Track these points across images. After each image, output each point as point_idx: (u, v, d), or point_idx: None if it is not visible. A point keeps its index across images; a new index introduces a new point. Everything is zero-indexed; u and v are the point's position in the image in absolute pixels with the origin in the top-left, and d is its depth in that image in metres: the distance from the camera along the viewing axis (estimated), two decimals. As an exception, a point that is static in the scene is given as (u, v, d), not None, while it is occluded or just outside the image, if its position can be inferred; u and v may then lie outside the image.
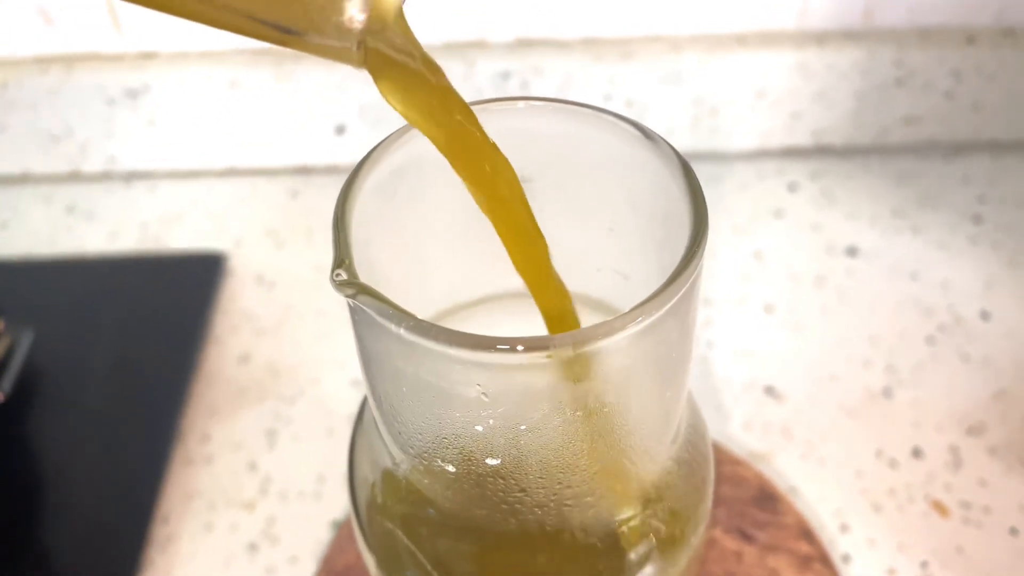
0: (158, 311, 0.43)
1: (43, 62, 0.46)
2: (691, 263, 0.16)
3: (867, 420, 0.38)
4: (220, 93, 0.46)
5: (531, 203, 0.18)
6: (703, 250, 0.16)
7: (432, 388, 0.16)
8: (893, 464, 0.36)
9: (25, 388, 0.39)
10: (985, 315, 0.41)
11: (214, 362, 0.41)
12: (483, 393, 0.16)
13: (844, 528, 0.34)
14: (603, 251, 0.20)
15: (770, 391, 0.39)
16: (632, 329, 0.16)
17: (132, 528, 0.35)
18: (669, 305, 0.16)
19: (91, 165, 0.49)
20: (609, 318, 0.15)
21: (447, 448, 0.18)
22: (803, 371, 0.39)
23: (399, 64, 0.16)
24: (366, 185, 0.18)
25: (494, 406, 0.16)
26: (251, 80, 0.46)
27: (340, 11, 0.15)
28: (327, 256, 0.49)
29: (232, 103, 0.47)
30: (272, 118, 0.47)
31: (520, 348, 0.15)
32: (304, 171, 0.49)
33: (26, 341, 0.40)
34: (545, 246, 0.19)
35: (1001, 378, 0.39)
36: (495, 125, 0.17)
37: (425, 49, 0.17)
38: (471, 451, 0.17)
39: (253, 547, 0.34)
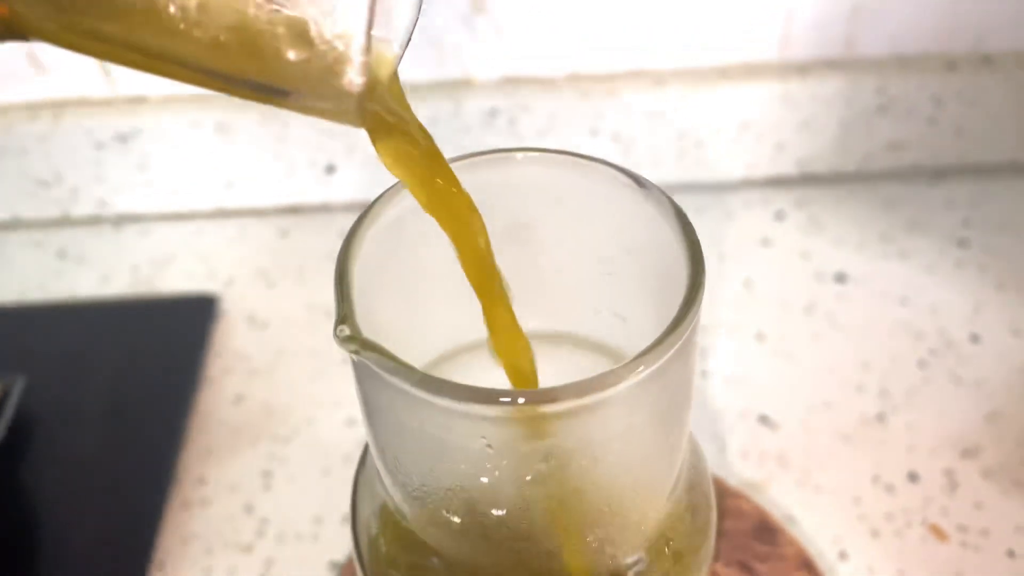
0: (151, 354, 0.43)
1: (33, 108, 0.46)
2: (689, 311, 0.16)
3: (862, 446, 0.38)
4: (209, 135, 0.47)
5: (531, 246, 0.18)
6: (701, 298, 0.16)
7: (436, 440, 0.17)
8: (889, 489, 0.36)
9: (18, 435, 0.39)
10: (975, 338, 0.42)
11: (208, 404, 0.40)
12: (487, 445, 0.16)
13: (843, 555, 0.34)
14: (601, 294, 0.21)
15: (764, 419, 0.39)
16: (633, 380, 0.16)
17: (129, 575, 0.34)
18: (669, 354, 0.16)
19: (81, 209, 0.49)
20: (608, 360, 0.15)
21: (452, 499, 0.18)
22: (796, 398, 0.40)
23: (395, 127, 0.17)
24: (366, 239, 0.18)
25: (499, 458, 0.16)
26: (240, 122, 0.46)
27: (339, 74, 0.16)
28: (319, 295, 0.49)
29: (221, 145, 0.47)
30: (261, 159, 0.48)
31: (522, 400, 0.15)
32: (294, 211, 0.50)
33: (18, 388, 0.40)
34: (506, 298, 0.20)
35: (993, 400, 0.39)
36: (496, 175, 0.18)
37: (414, 111, 0.18)
38: (476, 502, 0.17)
39: (251, 591, 0.34)
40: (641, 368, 0.16)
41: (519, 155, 0.19)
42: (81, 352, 0.43)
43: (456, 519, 0.18)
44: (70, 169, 0.48)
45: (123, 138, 0.47)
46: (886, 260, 0.45)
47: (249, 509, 0.37)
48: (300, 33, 0.15)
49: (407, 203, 0.19)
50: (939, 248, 0.46)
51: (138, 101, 0.47)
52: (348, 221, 0.53)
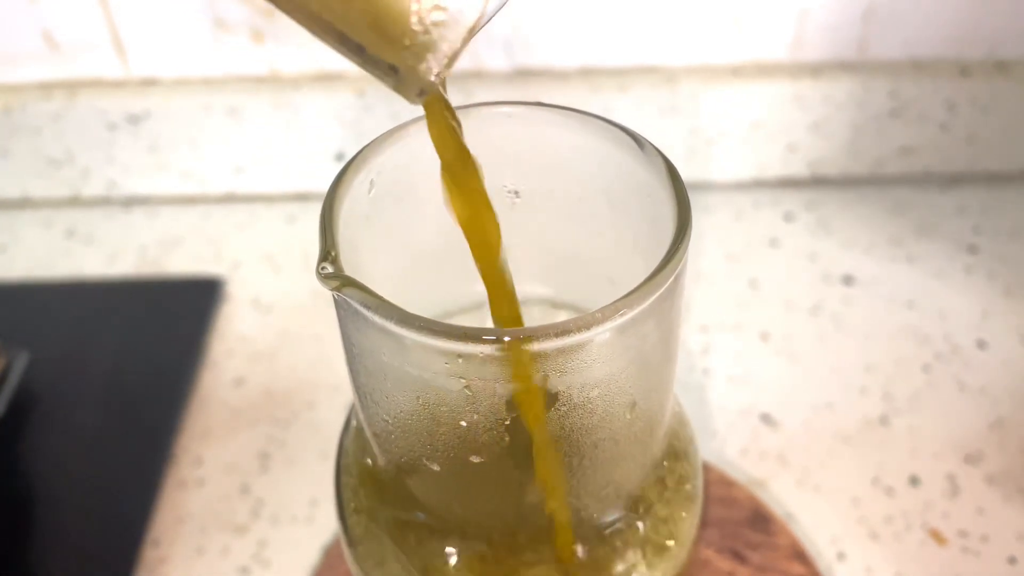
0: (154, 334, 0.43)
1: (46, 87, 0.47)
2: (674, 258, 0.16)
3: (864, 448, 0.37)
4: (220, 119, 0.47)
5: (520, 210, 0.18)
6: (685, 247, 0.16)
7: (416, 382, 0.17)
8: (890, 492, 0.36)
9: (19, 410, 0.39)
10: (982, 344, 0.41)
11: (209, 385, 0.40)
12: (466, 387, 0.16)
13: (841, 556, 0.34)
14: (591, 256, 0.20)
15: (766, 418, 0.39)
16: (614, 322, 0.16)
17: (123, 551, 0.34)
18: (651, 300, 0.16)
19: (91, 190, 0.49)
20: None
21: (431, 445, 0.17)
22: (799, 399, 0.39)
23: (441, 114, 0.17)
24: (355, 182, 0.18)
25: (477, 400, 0.16)
26: (251, 107, 0.46)
27: (420, 59, 0.16)
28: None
29: (232, 129, 0.47)
30: (271, 144, 0.48)
31: (504, 338, 0.15)
32: (302, 197, 0.50)
33: (21, 362, 0.40)
34: (513, 296, 0.20)
35: (998, 407, 0.39)
36: (486, 130, 0.18)
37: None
38: (455, 448, 0.17)
39: (244, 571, 0.34)
40: (623, 311, 0.16)
41: (505, 108, 0.19)
42: (85, 330, 0.43)
43: (436, 467, 0.18)
44: (81, 149, 0.48)
45: (135, 120, 0.47)
46: (894, 264, 0.45)
47: (245, 490, 0.37)
48: (404, 6, 0.15)
49: (398, 156, 0.19)
50: (948, 254, 0.45)
51: (150, 83, 0.47)
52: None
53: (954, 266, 0.45)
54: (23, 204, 0.50)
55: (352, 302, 0.16)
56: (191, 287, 0.45)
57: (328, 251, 0.17)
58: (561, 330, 0.15)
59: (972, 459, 0.37)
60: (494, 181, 0.18)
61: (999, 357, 0.41)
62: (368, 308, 0.16)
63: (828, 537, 0.34)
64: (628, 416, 0.18)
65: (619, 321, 0.16)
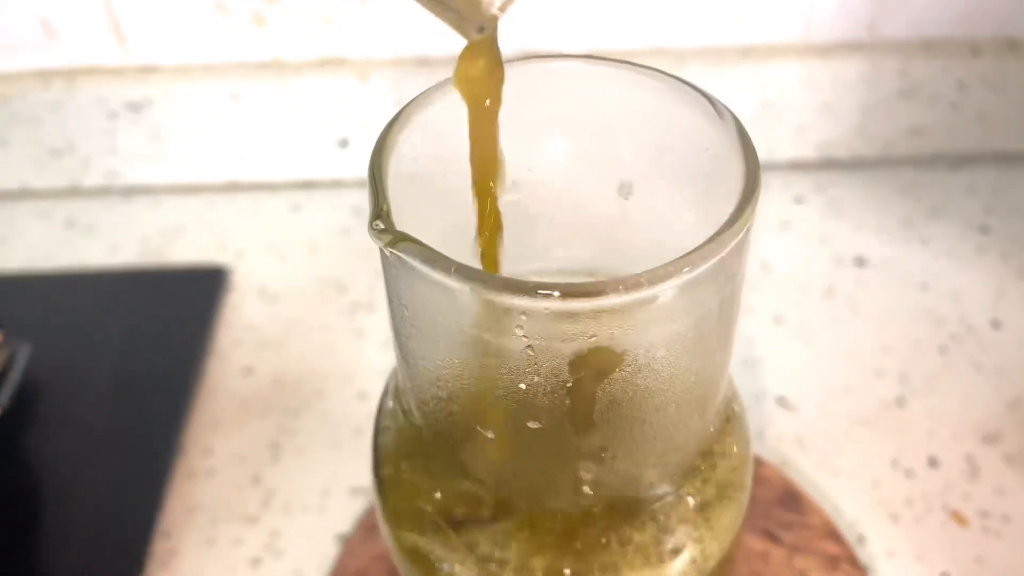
0: (159, 325, 0.42)
1: (45, 76, 0.46)
2: (744, 211, 0.15)
3: (881, 430, 0.37)
4: (222, 106, 0.46)
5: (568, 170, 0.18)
6: (756, 198, 0.16)
7: (474, 342, 0.16)
8: (909, 474, 0.36)
9: (23, 402, 0.38)
10: (996, 324, 0.41)
11: (216, 375, 0.40)
12: (528, 346, 0.16)
13: (861, 539, 0.34)
14: (638, 218, 0.20)
15: (782, 401, 0.38)
16: (683, 277, 0.15)
17: (133, 543, 0.34)
18: (723, 254, 0.15)
19: (91, 179, 0.49)
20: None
21: (486, 411, 0.17)
22: (815, 382, 0.39)
23: (488, 54, 0.17)
24: (400, 139, 0.18)
25: (539, 361, 0.16)
26: (253, 93, 0.46)
27: None
28: (330, 269, 0.48)
29: (234, 116, 0.47)
30: (274, 132, 0.47)
31: (567, 293, 0.14)
32: (306, 185, 0.49)
33: (24, 354, 0.40)
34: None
35: (1015, 386, 0.38)
36: (535, 86, 0.17)
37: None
38: (513, 413, 0.17)
39: (256, 561, 0.34)
40: (687, 268, 0.15)
41: (563, 62, 0.19)
42: (89, 321, 0.42)
43: (490, 434, 0.17)
44: (81, 138, 0.47)
45: (135, 107, 0.46)
46: (907, 245, 0.45)
47: (256, 480, 0.36)
48: None
49: (443, 114, 0.19)
50: (960, 234, 0.45)
51: (151, 70, 0.46)
52: (360, 196, 0.52)
53: (966, 246, 0.44)
54: (22, 195, 0.49)
55: (407, 258, 0.16)
56: (195, 277, 0.44)
57: (380, 207, 0.16)
58: (629, 285, 0.14)
59: (990, 439, 0.37)
60: (543, 138, 0.18)
61: (1015, 337, 0.40)
62: (426, 263, 0.15)
63: (848, 520, 0.34)
64: (692, 379, 0.17)
65: (689, 276, 0.15)
